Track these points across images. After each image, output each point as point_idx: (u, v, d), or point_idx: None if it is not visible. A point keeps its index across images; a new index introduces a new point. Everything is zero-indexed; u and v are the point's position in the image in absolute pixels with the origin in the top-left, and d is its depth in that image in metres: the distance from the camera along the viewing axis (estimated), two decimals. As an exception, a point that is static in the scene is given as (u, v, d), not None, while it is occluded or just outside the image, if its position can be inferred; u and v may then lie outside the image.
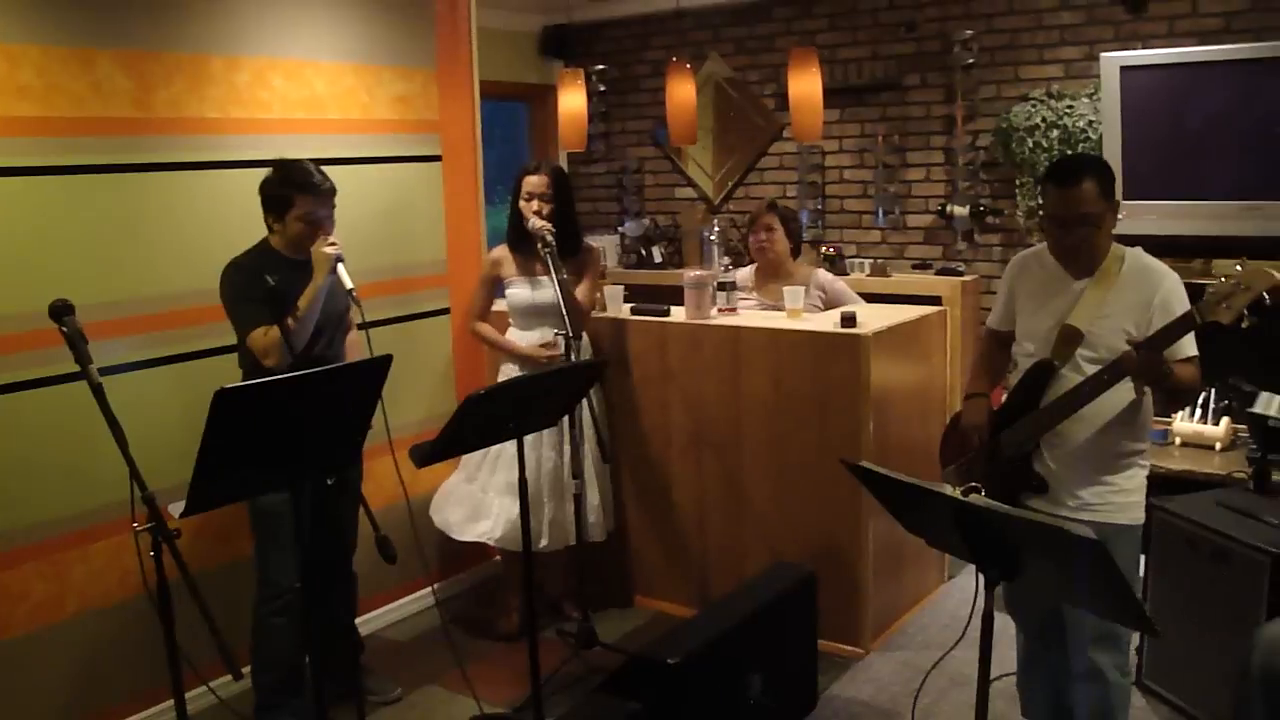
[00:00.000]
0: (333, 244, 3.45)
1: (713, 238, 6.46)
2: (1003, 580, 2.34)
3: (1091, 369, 2.87)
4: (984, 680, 2.44)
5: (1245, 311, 2.60)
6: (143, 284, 3.68)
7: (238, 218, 3.62)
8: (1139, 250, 2.98)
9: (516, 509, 4.12)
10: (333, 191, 3.54)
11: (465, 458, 4.41)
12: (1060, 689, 3.19)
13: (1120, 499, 2.96)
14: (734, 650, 3.28)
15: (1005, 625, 3.25)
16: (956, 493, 2.26)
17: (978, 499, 2.22)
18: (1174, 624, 3.58)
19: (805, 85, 4.73)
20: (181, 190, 3.76)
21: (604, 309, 4.65)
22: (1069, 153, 5.34)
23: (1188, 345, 2.85)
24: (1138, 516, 2.99)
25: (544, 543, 4.27)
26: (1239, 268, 2.62)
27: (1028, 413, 3.00)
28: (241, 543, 3.79)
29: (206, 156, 3.81)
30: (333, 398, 2.82)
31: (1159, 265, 2.94)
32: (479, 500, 4.33)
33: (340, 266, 3.41)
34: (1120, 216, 4.50)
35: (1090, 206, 2.84)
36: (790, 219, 4.91)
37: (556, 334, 4.08)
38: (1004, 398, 3.20)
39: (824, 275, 4.97)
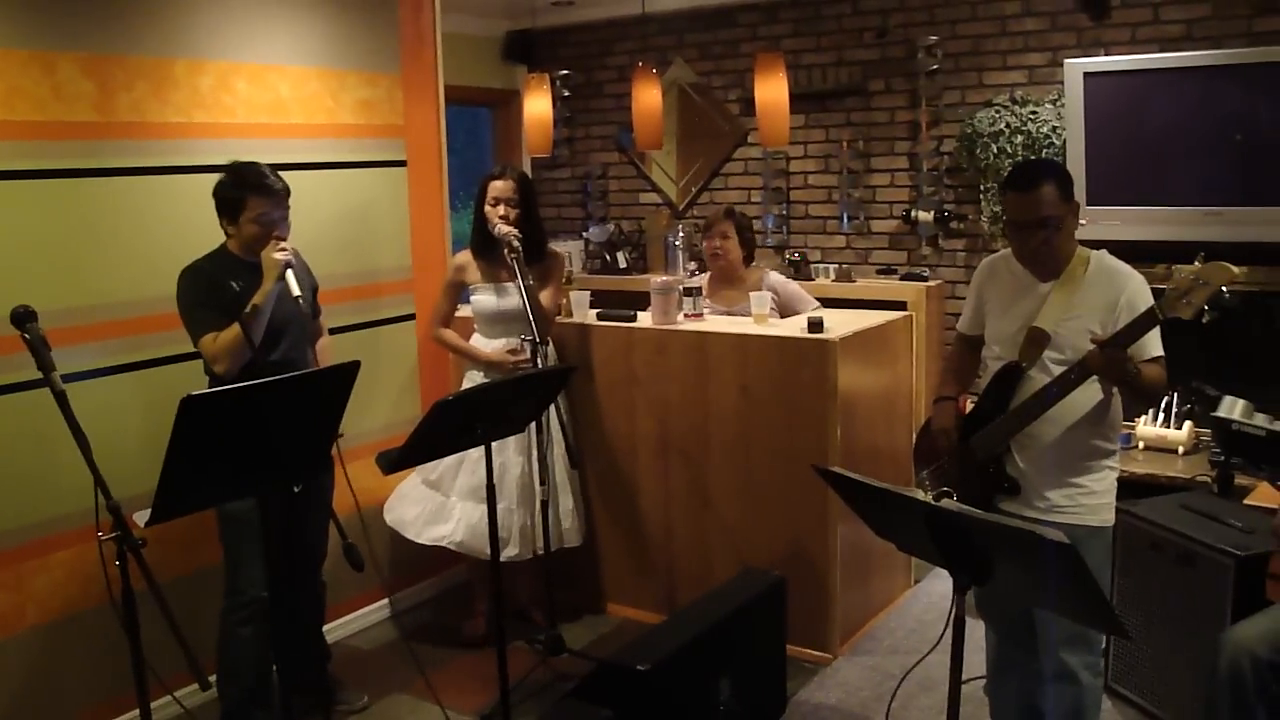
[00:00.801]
0: (283, 249, 3.40)
1: (677, 243, 6.50)
2: (974, 585, 2.35)
3: (1059, 370, 2.89)
4: (955, 685, 2.45)
5: (1205, 307, 2.63)
6: (106, 290, 3.63)
7: (201, 223, 3.57)
8: (1104, 253, 3.01)
9: (479, 514, 4.12)
10: (286, 193, 3.50)
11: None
12: (1031, 692, 3.20)
13: (1091, 500, 2.97)
14: (703, 656, 3.27)
15: (974, 630, 3.26)
16: (928, 497, 2.26)
17: (949, 503, 2.23)
18: (1140, 627, 3.61)
19: (772, 91, 4.75)
20: (144, 195, 3.71)
21: (570, 314, 4.64)
22: (1032, 159, 5.38)
23: (1153, 345, 2.87)
24: (1108, 518, 3.01)
25: (514, 551, 4.23)
26: (1198, 264, 2.65)
27: (997, 415, 3.02)
28: (206, 551, 3.74)
29: (169, 161, 3.77)
30: (300, 404, 2.80)
31: (1124, 267, 2.96)
32: (440, 504, 4.29)
33: (289, 273, 3.36)
34: (1082, 222, 4.53)
35: (1049, 210, 2.87)
36: (745, 226, 4.93)
37: (523, 339, 4.06)
38: (971, 401, 3.22)
39: (775, 277, 4.98)
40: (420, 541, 4.31)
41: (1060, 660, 3.00)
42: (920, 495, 2.28)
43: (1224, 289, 2.59)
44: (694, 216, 6.82)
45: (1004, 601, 3.13)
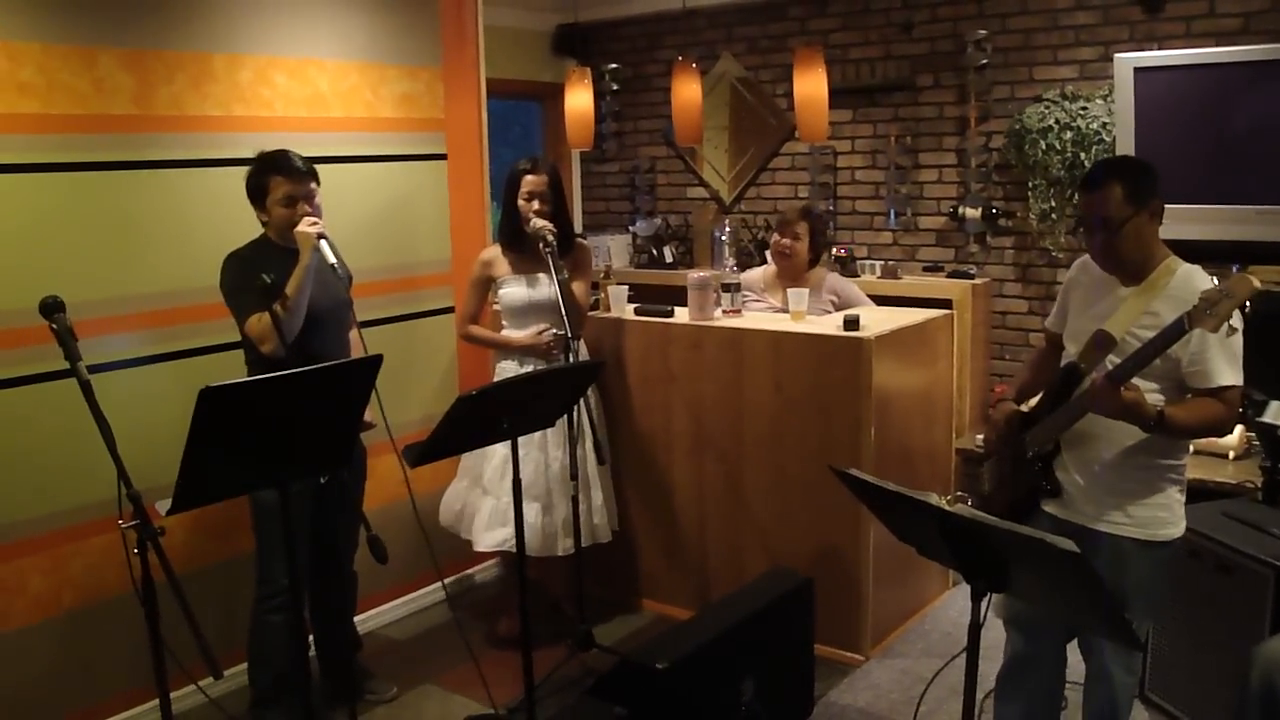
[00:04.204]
0: (314, 222, 3.44)
1: (724, 238, 6.45)
2: (991, 591, 2.31)
3: None
4: (970, 690, 2.43)
5: (1230, 323, 2.55)
6: (145, 281, 3.69)
7: (239, 215, 3.60)
8: (1197, 269, 2.85)
9: (533, 512, 4.17)
10: (311, 175, 3.53)
11: (466, 465, 4.40)
12: (1050, 694, 3.16)
13: (1141, 513, 2.85)
14: (726, 655, 3.25)
15: (1000, 637, 3.21)
16: (942, 501, 2.22)
17: (962, 509, 2.18)
18: (1176, 636, 3.53)
19: (811, 85, 4.69)
20: (183, 188, 3.77)
21: (608, 309, 4.63)
22: (1081, 155, 5.28)
23: (1221, 371, 2.72)
24: (1159, 534, 2.86)
25: (570, 542, 4.20)
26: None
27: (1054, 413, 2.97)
28: (242, 539, 3.79)
29: (208, 154, 3.82)
30: (321, 397, 2.81)
31: (1210, 285, 2.77)
32: (493, 506, 4.27)
33: (324, 243, 3.40)
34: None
35: (1109, 210, 2.76)
36: (820, 230, 4.84)
37: (556, 333, 4.07)
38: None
39: (836, 279, 4.93)
40: (482, 548, 4.33)
41: (1101, 664, 2.96)
42: (934, 499, 2.24)
43: (1246, 303, 2.51)
44: (741, 211, 6.78)
45: (1040, 619, 3.07)
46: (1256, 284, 2.49)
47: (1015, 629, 3.16)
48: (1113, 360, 2.81)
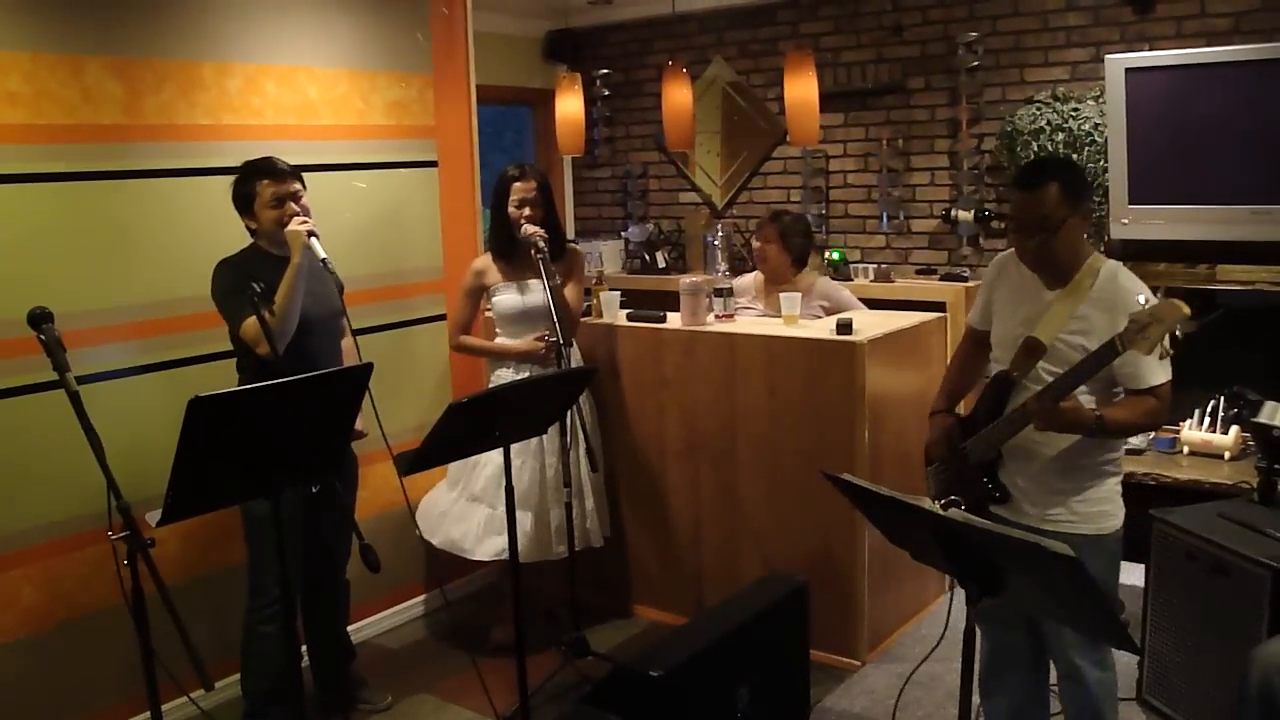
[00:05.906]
0: (304, 221, 3.42)
1: (716, 243, 6.45)
2: (985, 596, 2.29)
3: None
4: (965, 695, 2.41)
5: (1166, 346, 2.53)
6: (135, 291, 3.67)
7: (229, 224, 3.58)
8: (1119, 266, 2.86)
9: (529, 520, 4.16)
10: (295, 175, 3.51)
11: (455, 472, 4.39)
12: (1031, 696, 3.16)
13: (1085, 509, 2.89)
14: (721, 662, 3.22)
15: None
16: (936, 507, 2.21)
17: (956, 514, 2.17)
18: (1174, 638, 3.53)
19: (802, 89, 4.69)
20: (172, 197, 3.75)
21: (600, 315, 4.62)
22: (1074, 157, 5.28)
23: (1151, 372, 2.74)
24: (1105, 526, 2.90)
25: (562, 548, 4.19)
26: (1156, 299, 2.57)
27: (990, 423, 2.97)
28: (234, 549, 3.77)
29: (198, 163, 3.80)
30: (311, 406, 2.80)
31: (1134, 285, 2.78)
32: (488, 516, 4.24)
33: (314, 240, 3.38)
34: (1124, 221, 4.41)
35: (1047, 210, 2.75)
36: (791, 232, 4.87)
37: (548, 338, 4.05)
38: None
39: (827, 284, 4.93)
40: (478, 558, 4.29)
41: (1069, 661, 2.96)
42: (928, 504, 2.23)
43: (1176, 330, 2.48)
44: (734, 216, 6.78)
45: (1009, 611, 3.06)
46: (1185, 310, 2.46)
47: (987, 623, 3.15)
48: (1044, 367, 2.83)
